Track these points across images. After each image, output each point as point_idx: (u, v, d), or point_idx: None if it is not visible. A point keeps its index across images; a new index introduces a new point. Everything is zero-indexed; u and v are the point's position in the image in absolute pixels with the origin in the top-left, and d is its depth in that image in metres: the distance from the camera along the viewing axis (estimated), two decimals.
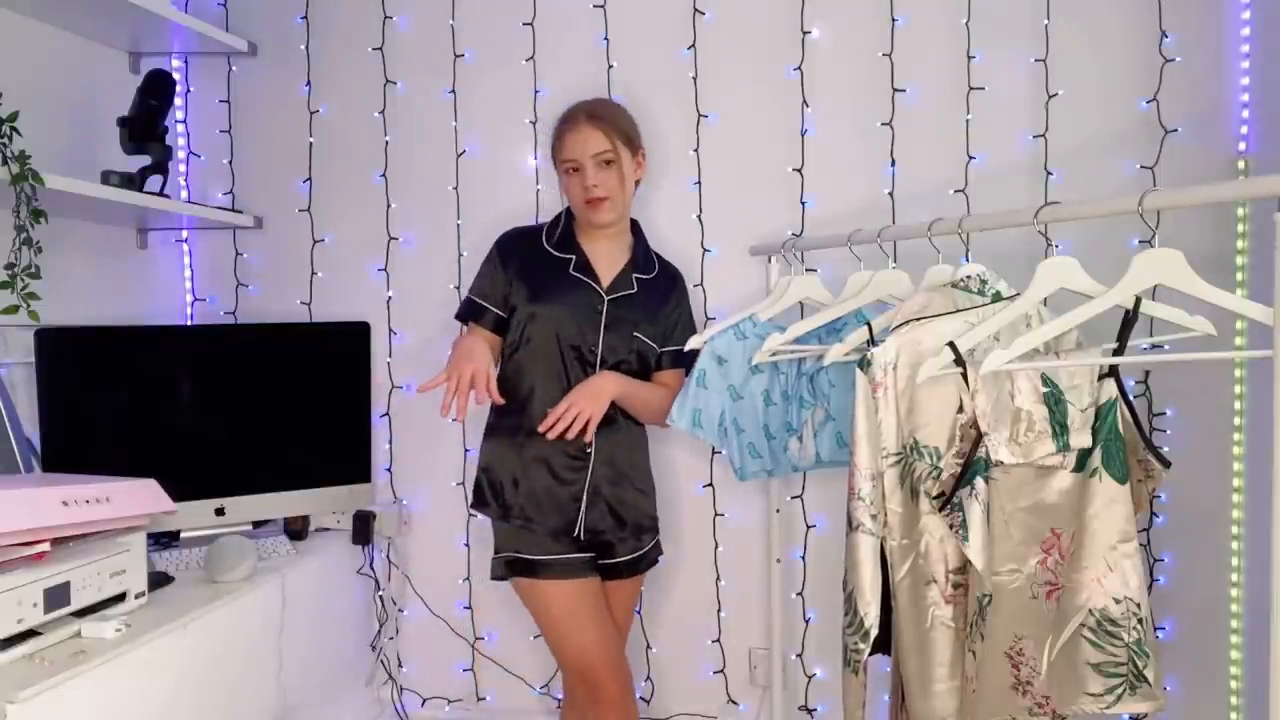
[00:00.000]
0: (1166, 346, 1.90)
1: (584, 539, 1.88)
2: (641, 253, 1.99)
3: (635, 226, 2.02)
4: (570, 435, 1.78)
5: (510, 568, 1.89)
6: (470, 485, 2.30)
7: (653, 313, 1.95)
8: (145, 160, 2.12)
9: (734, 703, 2.37)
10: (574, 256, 1.91)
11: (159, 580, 1.80)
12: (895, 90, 2.20)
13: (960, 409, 1.47)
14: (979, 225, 1.63)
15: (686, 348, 1.99)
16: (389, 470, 2.48)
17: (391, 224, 2.46)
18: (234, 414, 2.18)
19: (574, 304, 1.87)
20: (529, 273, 1.90)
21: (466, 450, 2.43)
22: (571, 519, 1.87)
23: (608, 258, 1.94)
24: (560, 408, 1.78)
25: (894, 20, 2.20)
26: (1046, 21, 2.13)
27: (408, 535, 2.48)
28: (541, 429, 1.79)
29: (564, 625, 1.85)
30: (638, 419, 1.98)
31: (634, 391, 1.90)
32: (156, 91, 2.10)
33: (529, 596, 1.89)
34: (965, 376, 1.44)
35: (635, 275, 1.94)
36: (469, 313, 1.95)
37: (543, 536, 1.86)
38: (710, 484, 2.34)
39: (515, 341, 1.90)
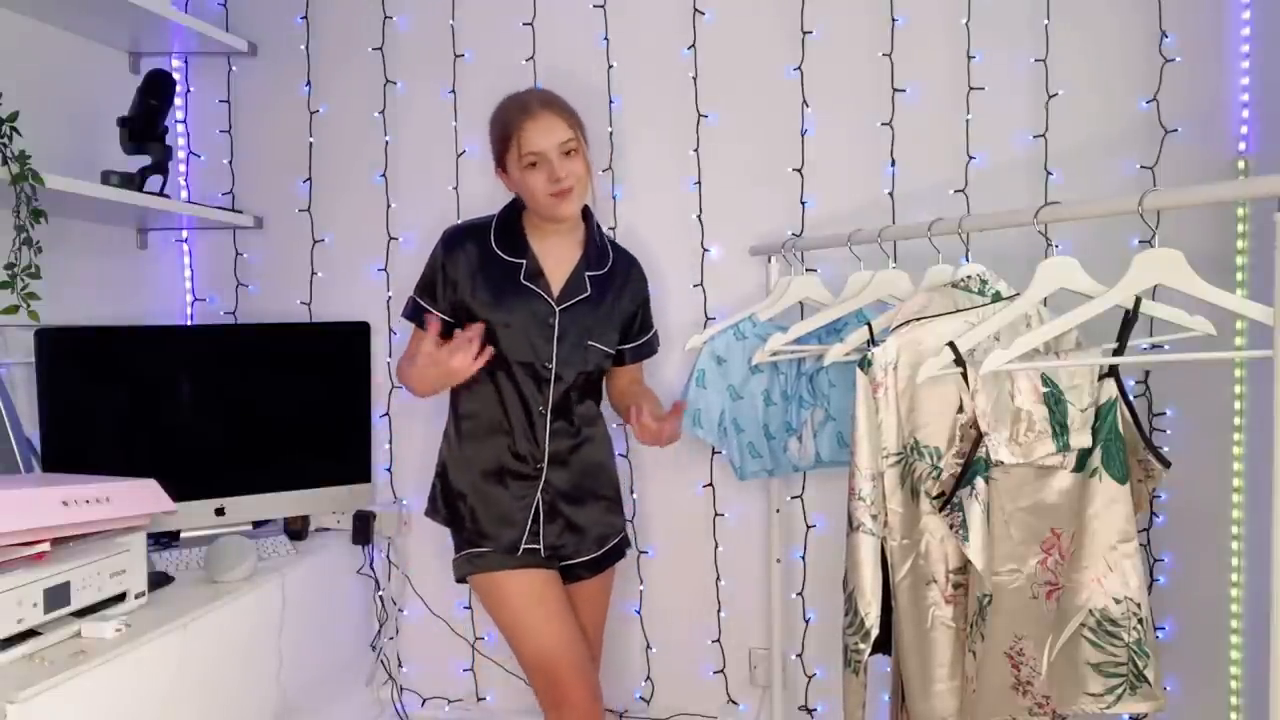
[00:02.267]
0: (1166, 346, 1.90)
1: (545, 554, 1.82)
2: (594, 245, 1.87)
3: (586, 211, 1.89)
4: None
5: (469, 564, 1.83)
6: None
7: (607, 313, 1.86)
8: (145, 160, 2.12)
9: (734, 703, 2.37)
10: (525, 262, 1.80)
11: (159, 580, 1.80)
12: (895, 90, 2.20)
13: (960, 409, 1.47)
14: (979, 225, 1.63)
15: (686, 347, 1.98)
16: (389, 470, 2.48)
17: (391, 224, 2.46)
18: (234, 414, 2.18)
19: (525, 316, 1.78)
20: (479, 279, 1.80)
21: None
22: (530, 533, 1.81)
23: (560, 257, 1.83)
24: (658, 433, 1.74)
25: (894, 20, 2.19)
26: (1046, 21, 2.13)
27: (408, 535, 2.48)
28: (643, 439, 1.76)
29: (524, 618, 1.77)
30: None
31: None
32: (156, 91, 2.10)
33: (487, 592, 1.81)
34: (965, 376, 1.44)
35: (588, 274, 1.84)
36: (415, 313, 1.86)
37: (499, 551, 1.80)
38: (710, 484, 2.34)
39: None
